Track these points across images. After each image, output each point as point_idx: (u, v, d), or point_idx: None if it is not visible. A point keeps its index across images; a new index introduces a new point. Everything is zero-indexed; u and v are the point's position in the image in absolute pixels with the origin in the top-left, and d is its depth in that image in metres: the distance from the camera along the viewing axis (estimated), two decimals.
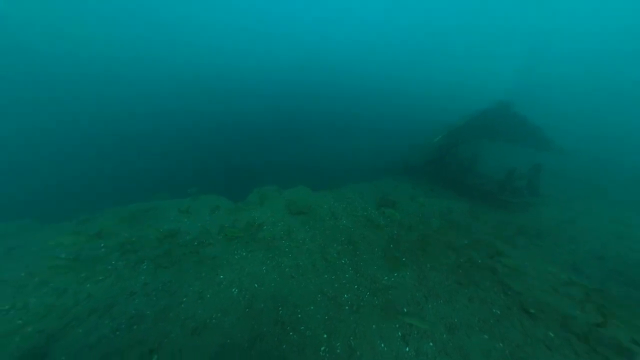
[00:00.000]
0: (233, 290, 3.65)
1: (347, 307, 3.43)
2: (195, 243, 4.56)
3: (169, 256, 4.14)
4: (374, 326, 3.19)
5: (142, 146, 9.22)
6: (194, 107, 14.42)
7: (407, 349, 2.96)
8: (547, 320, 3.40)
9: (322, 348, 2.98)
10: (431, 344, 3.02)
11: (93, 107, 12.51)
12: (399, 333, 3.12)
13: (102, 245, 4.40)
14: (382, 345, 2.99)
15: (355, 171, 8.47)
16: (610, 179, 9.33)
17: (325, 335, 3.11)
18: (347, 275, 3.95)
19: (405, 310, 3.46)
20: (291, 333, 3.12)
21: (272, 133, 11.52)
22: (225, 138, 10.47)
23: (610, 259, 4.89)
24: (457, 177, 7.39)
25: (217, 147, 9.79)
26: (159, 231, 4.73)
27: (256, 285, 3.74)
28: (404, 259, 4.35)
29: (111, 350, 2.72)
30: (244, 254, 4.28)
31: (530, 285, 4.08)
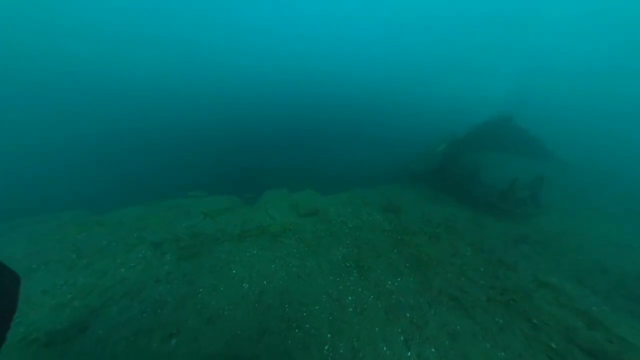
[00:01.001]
0: (244, 285, 3.69)
1: (351, 309, 3.37)
2: (212, 239, 4.67)
3: (189, 250, 4.31)
4: (377, 329, 3.10)
5: (167, 151, 9.99)
6: (213, 115, 14.70)
7: (409, 354, 2.85)
8: (550, 332, 3.19)
9: (326, 347, 2.94)
10: (433, 349, 2.89)
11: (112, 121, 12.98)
12: (402, 337, 3.01)
13: (135, 235, 4.72)
14: (385, 348, 2.90)
15: (361, 177, 8.34)
16: (609, 191, 8.96)
17: (329, 335, 3.07)
18: (351, 278, 3.89)
19: (408, 315, 3.28)
20: (297, 330, 3.11)
21: (283, 140, 11.74)
22: (240, 144, 10.88)
23: (612, 271, 4.61)
24: (460, 185, 7.13)
25: (233, 152, 10.16)
26: (181, 226, 5.02)
27: (265, 282, 3.76)
28: (408, 265, 4.17)
29: (138, 330, 2.90)
30: (255, 252, 4.27)
31: (534, 295, 3.85)
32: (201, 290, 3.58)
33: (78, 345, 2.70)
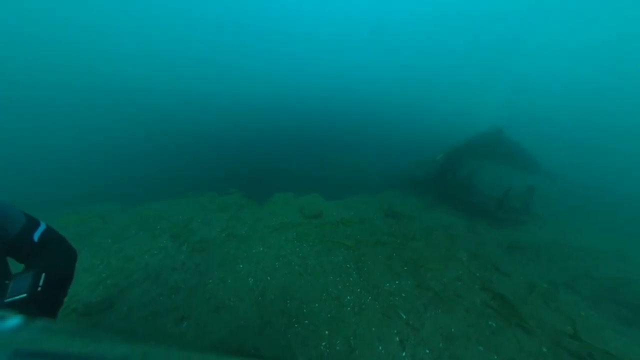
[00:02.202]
0: (249, 280, 3.71)
1: (349, 308, 3.31)
2: (223, 235, 4.75)
3: (202, 243, 4.41)
4: (373, 329, 3.02)
5: (187, 155, 10.37)
6: (228, 123, 15.56)
7: (404, 354, 2.75)
8: (541, 335, 3.05)
9: (324, 343, 2.90)
10: (427, 350, 2.77)
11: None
12: (397, 338, 2.93)
13: (158, 227, 4.95)
14: (380, 347, 2.81)
15: (363, 184, 8.31)
16: (596, 202, 9.05)
17: (327, 332, 3.03)
18: (351, 279, 3.82)
19: (404, 316, 3.14)
20: (296, 325, 3.09)
21: (292, 147, 11.96)
22: (252, 150, 11.21)
23: (600, 278, 4.53)
24: (457, 193, 6.98)
25: (245, 157, 10.41)
26: (197, 221, 5.18)
27: (269, 278, 3.77)
28: (405, 268, 4.05)
29: (156, 311, 3.04)
30: (261, 249, 4.25)
31: (526, 300, 3.69)
32: (210, 281, 3.64)
33: (107, 318, 2.91)
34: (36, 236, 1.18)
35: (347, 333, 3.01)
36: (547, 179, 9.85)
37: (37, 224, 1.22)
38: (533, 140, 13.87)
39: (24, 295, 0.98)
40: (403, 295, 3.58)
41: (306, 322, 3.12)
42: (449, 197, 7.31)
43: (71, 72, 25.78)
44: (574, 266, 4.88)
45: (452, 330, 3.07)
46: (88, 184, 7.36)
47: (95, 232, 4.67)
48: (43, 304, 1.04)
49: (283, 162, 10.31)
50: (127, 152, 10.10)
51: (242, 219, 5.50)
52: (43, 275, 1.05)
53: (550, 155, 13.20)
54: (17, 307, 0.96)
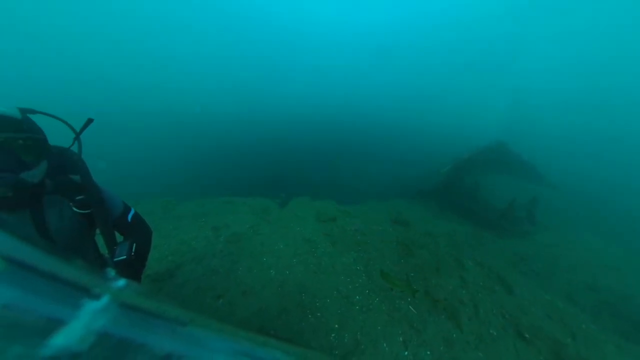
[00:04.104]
0: (271, 271, 3.89)
1: (357, 307, 3.35)
2: (251, 231, 5.00)
3: (235, 236, 4.72)
4: (379, 328, 3.02)
5: (224, 163, 11.17)
6: (256, 136, 16.55)
7: (406, 353, 2.68)
8: (540, 346, 2.81)
9: (333, 334, 2.97)
10: (428, 352, 2.69)
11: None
12: (401, 338, 2.87)
13: (203, 219, 5.38)
14: (384, 345, 2.76)
15: (374, 192, 8.21)
16: (597, 213, 8.34)
17: (336, 325, 3.11)
18: (360, 280, 3.83)
19: (408, 319, 3.05)
20: (309, 316, 3.20)
21: (311, 157, 12.28)
22: (276, 160, 11.67)
23: (601, 290, 4.11)
24: (462, 203, 6.66)
25: (271, 165, 10.90)
26: (231, 217, 5.54)
27: (287, 272, 3.93)
28: (412, 274, 3.90)
29: (199, 287, 3.37)
30: (281, 246, 4.40)
31: (527, 310, 3.41)
32: (240, 268, 3.91)
33: (167, 286, 3.35)
34: (129, 217, 1.39)
35: (354, 329, 3.05)
36: (549, 189, 9.15)
37: (129, 209, 1.43)
38: (531, 150, 13.07)
39: (124, 257, 1.18)
40: (408, 299, 3.51)
41: (318, 314, 3.21)
42: (454, 207, 6.98)
43: (136, 100, 28.38)
44: (576, 278, 4.45)
45: (454, 335, 2.94)
46: (156, 183, 8.45)
47: (162, 220, 5.32)
48: (133, 266, 1.24)
49: (302, 170, 10.62)
50: (183, 160, 11.39)
51: (267, 219, 5.70)
52: (134, 245, 1.25)
53: (549, 164, 12.33)
54: (119, 265, 1.16)
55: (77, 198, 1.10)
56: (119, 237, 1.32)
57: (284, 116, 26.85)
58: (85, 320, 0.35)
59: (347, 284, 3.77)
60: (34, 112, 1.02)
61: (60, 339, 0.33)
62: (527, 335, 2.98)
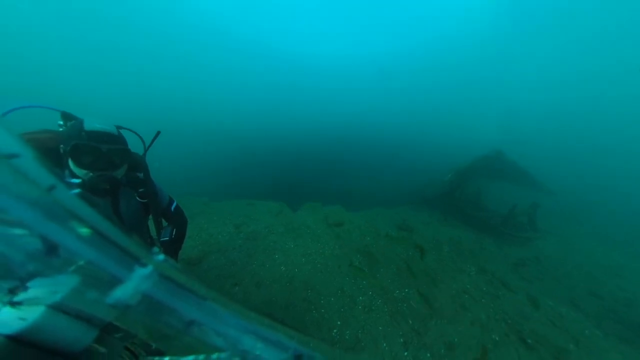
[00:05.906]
0: (282, 267, 3.96)
1: (360, 307, 3.26)
2: (266, 231, 5.13)
3: (252, 234, 4.91)
4: (380, 328, 2.89)
5: (245, 170, 11.59)
6: (273, 146, 17.14)
7: (406, 354, 2.49)
8: (543, 352, 2.47)
9: (335, 330, 2.92)
10: (428, 354, 2.50)
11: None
12: (401, 340, 2.71)
13: (227, 217, 5.59)
14: (385, 344, 2.62)
15: (380, 199, 8.05)
16: (596, 218, 7.87)
17: (339, 322, 3.06)
18: (364, 282, 3.85)
19: (410, 321, 2.80)
20: (314, 311, 3.19)
21: (322, 166, 12.40)
22: (291, 167, 11.94)
23: (603, 296, 3.61)
24: (465, 209, 6.24)
25: (286, 172, 11.15)
26: (249, 217, 5.72)
27: (296, 270, 3.98)
28: (415, 279, 3.69)
29: (220, 274, 3.54)
30: (292, 246, 4.44)
31: (530, 316, 3.04)
32: (255, 262, 4.05)
33: (196, 270, 3.60)
34: (172, 208, 1.58)
35: (356, 327, 2.98)
36: (547, 195, 8.41)
37: (173, 201, 1.61)
38: (525, 157, 12.26)
39: (167, 238, 1.44)
40: (411, 302, 3.32)
41: (322, 310, 3.19)
42: (457, 213, 6.54)
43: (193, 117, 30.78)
44: (579, 284, 3.94)
45: (455, 339, 2.68)
46: (196, 184, 8.99)
47: (198, 215, 5.61)
48: (172, 246, 1.49)
49: (315, 179, 10.78)
50: (216, 169, 12.11)
51: (280, 220, 5.76)
52: (175, 230, 1.50)
53: (545, 171, 11.42)
54: (164, 245, 1.44)
55: (140, 190, 1.30)
56: (164, 224, 1.54)
57: (300, 132, 27.94)
58: (136, 282, 0.40)
59: (351, 284, 3.68)
60: (121, 127, 1.24)
61: (118, 293, 0.39)
62: (529, 341, 2.63)
